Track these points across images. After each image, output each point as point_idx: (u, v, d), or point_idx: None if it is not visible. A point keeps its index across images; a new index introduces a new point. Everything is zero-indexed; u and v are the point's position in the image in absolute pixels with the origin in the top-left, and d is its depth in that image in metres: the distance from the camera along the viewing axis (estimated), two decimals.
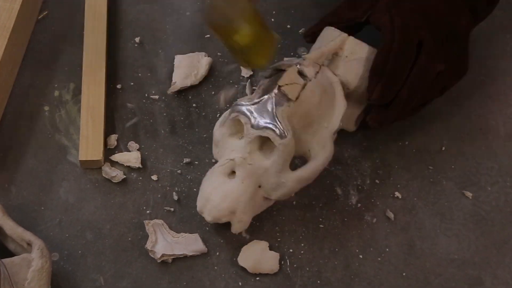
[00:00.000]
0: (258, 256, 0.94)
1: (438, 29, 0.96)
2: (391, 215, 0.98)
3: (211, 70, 1.10)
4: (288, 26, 1.14)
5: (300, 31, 1.14)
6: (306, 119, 0.92)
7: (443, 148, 1.04)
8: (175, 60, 1.10)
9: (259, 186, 0.92)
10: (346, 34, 0.97)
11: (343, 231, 0.98)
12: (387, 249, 0.96)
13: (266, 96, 0.91)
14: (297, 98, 0.90)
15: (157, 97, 1.08)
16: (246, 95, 1.08)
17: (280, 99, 0.90)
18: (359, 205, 0.99)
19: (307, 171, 0.93)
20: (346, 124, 1.00)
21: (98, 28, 1.11)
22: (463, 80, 1.01)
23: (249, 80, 1.09)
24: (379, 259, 0.96)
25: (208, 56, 1.11)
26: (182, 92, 1.08)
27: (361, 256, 0.96)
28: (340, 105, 0.95)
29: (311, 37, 1.03)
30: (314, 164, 0.93)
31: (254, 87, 1.09)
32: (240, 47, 0.92)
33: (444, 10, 0.97)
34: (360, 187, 1.00)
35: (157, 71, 1.11)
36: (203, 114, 1.06)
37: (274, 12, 1.16)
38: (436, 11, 0.97)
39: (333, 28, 0.99)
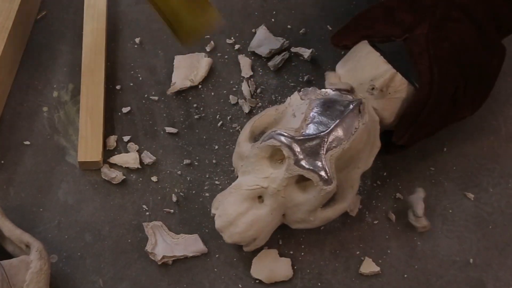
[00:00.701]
0: (270, 266, 0.94)
1: (473, 75, 0.95)
2: (393, 217, 0.98)
3: (211, 71, 1.10)
4: (289, 27, 1.14)
5: (300, 31, 1.13)
6: (347, 162, 0.91)
7: (445, 149, 1.04)
8: (174, 60, 1.10)
9: (283, 214, 0.92)
10: (394, 70, 0.93)
11: (344, 232, 0.97)
12: (389, 251, 0.96)
13: (315, 136, 0.88)
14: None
15: (156, 98, 1.08)
16: (244, 96, 1.07)
17: (331, 143, 0.88)
18: (360, 206, 0.99)
19: (335, 212, 0.92)
20: None
21: (97, 28, 1.11)
22: None
23: (244, 81, 1.09)
24: (380, 261, 0.95)
25: (208, 57, 1.10)
26: (182, 92, 1.08)
27: (362, 258, 0.95)
28: (376, 146, 0.94)
29: (342, 48, 1.01)
30: (342, 205, 0.92)
31: (252, 87, 1.08)
32: (171, 10, 0.89)
33: (480, 52, 0.96)
34: (361, 188, 1.00)
35: (156, 71, 1.10)
36: (203, 115, 1.06)
37: (274, 12, 1.16)
38: (473, 56, 0.95)
39: (378, 54, 0.95)
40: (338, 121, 0.88)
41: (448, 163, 1.03)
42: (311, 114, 0.90)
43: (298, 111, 0.92)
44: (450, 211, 0.99)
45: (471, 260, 0.96)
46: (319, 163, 0.87)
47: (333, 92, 0.93)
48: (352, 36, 0.99)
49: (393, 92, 0.94)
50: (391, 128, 0.96)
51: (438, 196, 1.00)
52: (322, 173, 0.87)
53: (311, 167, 0.87)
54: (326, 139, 0.88)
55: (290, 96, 0.95)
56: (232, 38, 1.13)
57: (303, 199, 0.89)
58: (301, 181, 0.89)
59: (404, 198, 0.99)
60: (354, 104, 0.90)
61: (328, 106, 0.91)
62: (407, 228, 0.97)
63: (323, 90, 0.94)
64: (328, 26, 1.13)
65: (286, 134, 0.88)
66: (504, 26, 0.99)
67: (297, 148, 0.87)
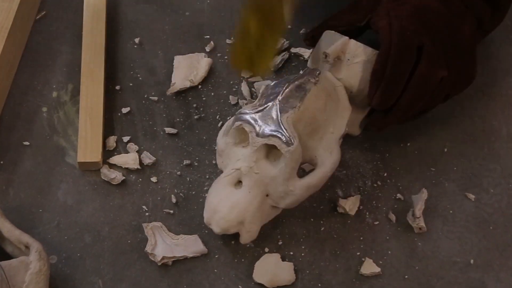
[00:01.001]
0: (273, 270, 0.93)
1: (439, 34, 0.95)
2: (393, 217, 0.98)
3: (211, 71, 1.10)
4: (289, 27, 1.13)
5: (301, 31, 1.13)
6: (311, 125, 0.91)
7: (445, 150, 1.04)
8: (174, 60, 1.10)
9: (267, 195, 0.92)
10: (347, 37, 0.96)
11: (344, 233, 0.97)
12: (389, 252, 0.96)
13: (270, 103, 0.90)
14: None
15: (156, 98, 1.07)
16: (243, 96, 1.07)
17: (285, 106, 0.89)
18: (360, 207, 0.98)
19: (315, 178, 0.92)
20: (351, 128, 0.99)
21: (97, 28, 1.10)
22: None
23: (244, 82, 1.08)
24: (381, 262, 0.95)
25: (208, 57, 1.10)
26: (182, 93, 1.08)
27: (362, 259, 0.95)
28: (345, 110, 0.95)
29: (311, 40, 1.03)
30: (322, 170, 0.92)
31: (253, 89, 1.08)
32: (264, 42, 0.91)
33: (445, 16, 0.96)
34: (361, 189, 1.00)
35: (156, 72, 1.10)
36: (203, 115, 1.06)
37: None
38: (437, 16, 0.96)
39: (333, 32, 0.98)
40: (287, 84, 0.91)
41: (448, 163, 1.02)
42: (262, 89, 0.95)
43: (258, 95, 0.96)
44: (451, 211, 0.99)
45: (472, 261, 0.95)
46: (277, 127, 0.88)
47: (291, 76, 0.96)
48: (318, 28, 1.01)
49: (352, 58, 0.96)
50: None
51: (439, 196, 1.00)
52: (281, 135, 0.88)
53: (271, 133, 0.88)
54: (279, 104, 0.90)
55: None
56: (232, 38, 1.12)
57: (276, 170, 0.90)
58: (270, 154, 0.91)
59: (405, 199, 0.99)
60: (307, 71, 0.93)
61: (283, 81, 0.94)
62: (408, 229, 0.97)
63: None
64: None
65: (245, 111, 0.91)
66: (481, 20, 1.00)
67: (256, 121, 0.90)
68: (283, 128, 0.88)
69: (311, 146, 0.92)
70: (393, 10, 0.95)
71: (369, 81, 0.95)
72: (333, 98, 0.94)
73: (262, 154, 0.90)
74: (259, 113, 0.90)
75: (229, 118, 1.04)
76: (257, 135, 0.89)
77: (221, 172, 0.94)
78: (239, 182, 0.91)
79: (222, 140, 0.94)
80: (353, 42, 0.96)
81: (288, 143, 0.88)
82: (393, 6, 0.96)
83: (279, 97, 0.90)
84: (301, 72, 0.95)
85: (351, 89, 0.96)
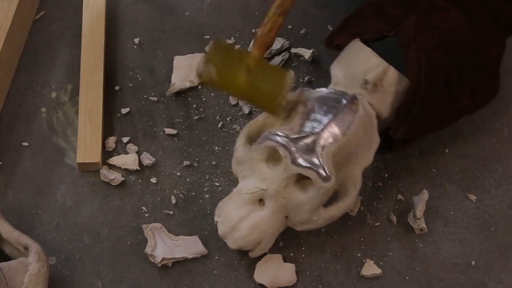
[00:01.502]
0: (274, 271, 0.93)
1: (466, 63, 0.94)
2: (394, 218, 0.97)
3: None
4: (289, 27, 1.13)
5: (301, 31, 1.12)
6: (345, 158, 0.90)
7: (446, 150, 1.03)
8: (174, 61, 1.10)
9: (286, 216, 0.91)
10: (386, 64, 0.93)
11: (345, 234, 0.97)
12: (390, 253, 0.95)
13: (310, 133, 0.88)
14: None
15: (156, 98, 1.07)
16: None
17: (327, 139, 0.88)
18: (361, 208, 0.98)
19: (339, 210, 0.91)
20: None
21: (96, 28, 1.10)
22: None
23: None
24: (382, 263, 0.95)
25: None
26: (182, 93, 1.07)
27: (363, 260, 0.95)
28: (375, 141, 0.94)
29: (334, 47, 1.01)
30: (346, 202, 0.91)
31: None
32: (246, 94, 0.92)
33: (473, 41, 0.95)
34: (362, 189, 0.99)
35: (156, 72, 1.10)
36: (203, 116, 1.05)
37: None
38: (464, 43, 0.95)
39: (364, 46, 0.95)
40: (332, 116, 0.89)
41: (450, 164, 1.02)
42: (304, 112, 0.91)
43: (293, 112, 0.93)
44: (452, 213, 0.98)
45: (473, 263, 0.95)
46: (316, 160, 0.87)
47: (327, 91, 0.94)
48: (343, 35, 0.99)
49: (387, 86, 0.94)
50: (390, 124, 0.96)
51: (440, 197, 0.99)
52: (320, 170, 0.86)
53: (308, 165, 0.87)
54: (321, 136, 0.88)
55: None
56: (232, 38, 1.12)
57: (304, 199, 0.89)
58: (301, 180, 0.89)
59: (406, 200, 0.99)
60: (347, 99, 0.90)
61: (322, 104, 0.91)
62: (409, 230, 0.97)
63: (317, 89, 0.94)
64: (329, 26, 1.12)
65: (281, 134, 0.88)
66: (500, 19, 0.99)
67: (293, 147, 0.87)
68: (322, 162, 0.87)
69: (338, 176, 0.89)
70: (421, 33, 0.93)
71: (395, 109, 0.95)
72: (367, 129, 0.92)
73: (292, 180, 0.89)
74: (298, 141, 0.87)
75: (230, 119, 1.04)
76: (293, 162, 0.87)
77: (221, 174, 0.93)
78: (261, 200, 0.90)
79: (245, 150, 0.93)
80: (392, 70, 0.93)
81: (325, 179, 0.87)
82: (422, 26, 0.93)
83: (322, 130, 0.88)
84: (339, 94, 0.93)
85: (380, 116, 0.95)
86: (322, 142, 0.87)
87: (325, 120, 0.88)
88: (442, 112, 0.95)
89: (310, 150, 0.87)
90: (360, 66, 0.95)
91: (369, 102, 0.94)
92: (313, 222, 0.91)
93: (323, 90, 0.94)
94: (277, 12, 0.89)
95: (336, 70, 0.98)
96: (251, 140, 0.94)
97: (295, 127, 0.90)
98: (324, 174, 0.86)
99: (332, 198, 0.91)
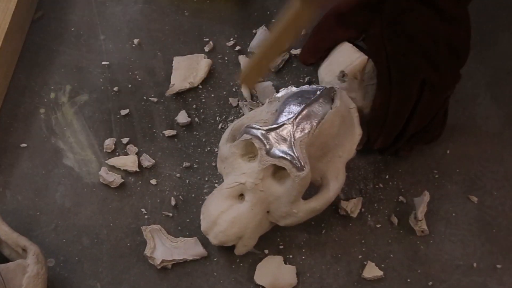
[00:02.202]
0: (274, 272, 0.93)
1: (441, 56, 0.92)
2: (395, 220, 0.97)
3: (211, 72, 1.09)
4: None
5: (302, 33, 1.12)
6: (322, 149, 0.90)
7: (448, 152, 1.03)
8: (173, 61, 1.09)
9: (268, 211, 0.91)
10: (365, 57, 0.93)
11: (346, 236, 0.96)
12: (391, 255, 0.95)
13: (284, 123, 0.88)
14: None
15: (155, 99, 1.07)
16: (244, 97, 1.06)
17: (299, 128, 0.88)
18: (362, 209, 0.98)
19: (320, 203, 0.91)
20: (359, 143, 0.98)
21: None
22: (468, 82, 1.00)
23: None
24: (383, 265, 0.94)
25: (208, 58, 1.09)
26: (182, 94, 1.07)
27: (364, 262, 0.94)
28: (356, 134, 0.93)
29: (311, 65, 1.01)
30: (327, 195, 0.91)
31: (253, 90, 1.07)
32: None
33: (443, 30, 0.93)
34: (363, 191, 0.99)
35: (155, 73, 1.09)
36: (203, 117, 1.05)
37: (274, 10, 1.15)
38: (435, 36, 0.92)
39: (350, 45, 0.95)
40: (304, 106, 0.89)
41: (451, 165, 1.02)
42: (280, 106, 0.92)
43: (270, 108, 0.94)
44: (454, 214, 0.98)
45: (474, 264, 0.95)
46: (290, 150, 0.87)
47: (306, 86, 0.94)
48: (313, 52, 0.99)
49: (368, 79, 0.94)
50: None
51: (441, 199, 0.99)
52: (294, 160, 0.87)
53: (282, 155, 0.87)
54: (293, 125, 0.88)
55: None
56: (232, 39, 1.12)
57: (282, 191, 0.89)
58: (278, 172, 0.90)
59: (407, 201, 0.98)
60: (322, 90, 0.91)
61: (298, 97, 0.91)
62: (410, 232, 0.96)
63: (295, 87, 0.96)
64: None
65: (256, 126, 0.89)
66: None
67: (266, 139, 0.88)
68: (295, 152, 0.87)
69: (318, 168, 0.90)
70: (388, 42, 0.91)
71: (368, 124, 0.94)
72: (346, 121, 0.92)
73: (269, 173, 0.89)
74: (272, 132, 0.88)
75: (230, 120, 1.04)
76: (267, 153, 0.88)
77: (221, 176, 0.93)
78: (241, 195, 0.91)
79: (226, 147, 0.93)
80: (371, 62, 0.93)
81: (299, 169, 0.87)
82: (388, 35, 0.92)
83: (295, 119, 0.88)
84: (314, 87, 0.93)
85: (362, 109, 0.95)
86: (294, 132, 0.88)
87: (298, 110, 0.89)
88: (425, 111, 0.93)
89: (283, 140, 0.88)
90: (341, 62, 0.95)
91: (351, 96, 0.94)
92: (294, 215, 0.90)
93: (303, 87, 0.95)
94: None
95: (321, 70, 0.98)
96: (234, 138, 0.94)
97: (270, 120, 0.91)
98: (297, 163, 0.87)
99: (315, 191, 0.92)
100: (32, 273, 0.84)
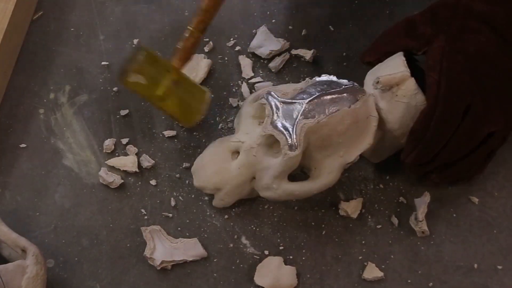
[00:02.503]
0: (275, 273, 0.93)
1: (493, 87, 0.91)
2: (396, 221, 0.97)
3: (210, 73, 1.08)
4: (290, 27, 1.12)
5: (302, 32, 1.12)
6: (324, 141, 0.90)
7: None
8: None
9: (254, 178, 0.93)
10: (408, 74, 0.91)
11: (346, 237, 0.96)
12: (392, 256, 0.95)
13: (298, 101, 0.89)
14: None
15: None
16: (244, 98, 1.06)
17: (309, 111, 0.88)
18: (362, 210, 0.97)
19: (300, 189, 0.91)
20: (373, 157, 0.99)
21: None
22: None
23: (244, 83, 1.07)
24: (383, 266, 0.94)
25: (208, 58, 1.09)
26: None
27: (365, 263, 0.94)
28: (364, 142, 0.92)
29: (367, 64, 0.99)
30: (310, 185, 0.91)
31: (253, 90, 1.07)
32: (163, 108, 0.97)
33: (503, 63, 0.92)
34: (363, 192, 0.99)
35: None
36: (203, 117, 1.04)
37: (275, 10, 1.14)
38: (494, 66, 0.92)
39: (403, 58, 0.93)
40: (322, 93, 0.90)
41: None
42: (305, 86, 0.92)
43: (299, 86, 0.94)
44: (454, 215, 0.98)
45: (475, 265, 0.94)
46: (290, 127, 0.88)
47: (341, 79, 0.94)
48: (374, 52, 0.98)
49: (401, 95, 0.91)
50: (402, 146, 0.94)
51: (442, 200, 0.98)
52: (289, 137, 0.88)
53: (281, 129, 0.89)
54: (304, 107, 0.89)
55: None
56: (232, 39, 1.11)
57: (271, 163, 0.91)
58: (275, 145, 0.91)
59: (408, 202, 0.98)
60: (347, 86, 0.91)
61: (324, 84, 0.92)
62: (411, 233, 0.96)
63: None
64: (330, 26, 1.12)
65: (274, 94, 0.91)
66: None
67: (277, 109, 0.90)
68: (294, 131, 0.88)
69: (315, 158, 0.91)
70: (446, 58, 0.90)
71: (407, 125, 0.92)
72: (359, 125, 0.90)
73: (268, 141, 0.91)
74: (284, 105, 0.90)
75: (230, 121, 1.03)
76: (271, 123, 0.89)
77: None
78: (237, 152, 0.94)
79: (247, 104, 0.96)
80: (411, 81, 0.91)
81: (291, 147, 0.88)
82: (449, 49, 0.91)
83: (308, 102, 0.89)
84: (345, 82, 0.92)
85: (386, 124, 0.93)
86: (303, 112, 0.89)
87: (316, 94, 0.90)
88: (462, 138, 0.91)
89: (289, 116, 0.89)
90: (385, 71, 0.93)
91: (379, 105, 0.92)
92: (273, 190, 0.91)
93: (339, 79, 0.94)
94: (199, 28, 0.94)
95: (368, 73, 0.97)
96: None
97: (290, 94, 0.92)
98: (291, 141, 0.88)
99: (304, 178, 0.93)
100: (31, 274, 0.83)
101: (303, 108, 0.88)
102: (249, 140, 0.92)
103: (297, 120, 0.88)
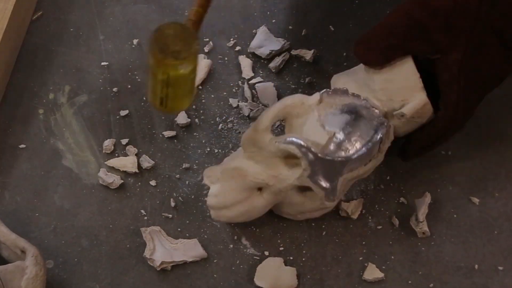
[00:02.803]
0: (275, 274, 0.93)
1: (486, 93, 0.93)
2: (396, 221, 0.96)
3: (211, 73, 1.08)
4: (290, 27, 1.12)
5: (302, 32, 1.11)
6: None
7: (449, 152, 1.02)
8: None
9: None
10: (427, 99, 0.89)
11: (347, 237, 0.96)
12: (392, 257, 0.95)
13: (338, 159, 0.87)
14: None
15: None
16: (245, 98, 1.06)
17: (352, 166, 0.88)
18: (363, 211, 0.97)
19: (321, 213, 0.94)
20: None
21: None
22: None
23: (245, 83, 1.07)
24: (384, 266, 0.94)
25: (207, 58, 1.09)
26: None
27: (365, 264, 0.94)
28: (379, 160, 0.92)
29: (365, 63, 0.92)
30: (330, 208, 0.94)
31: (254, 91, 1.06)
32: (168, 84, 0.83)
33: (502, 71, 0.92)
34: (364, 192, 0.99)
35: None
36: (202, 118, 1.04)
37: (275, 10, 1.14)
38: (496, 79, 0.92)
39: (418, 76, 0.89)
40: (365, 150, 0.87)
41: (453, 166, 1.01)
42: (337, 134, 0.88)
43: (326, 123, 0.89)
44: (455, 216, 0.98)
45: (476, 266, 0.94)
46: (332, 183, 0.87)
47: (362, 102, 0.90)
48: (375, 52, 0.91)
49: (416, 117, 0.90)
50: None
51: (443, 200, 0.98)
52: (330, 193, 0.87)
53: (322, 184, 0.87)
54: (345, 164, 0.87)
55: (319, 92, 0.91)
56: (232, 39, 1.11)
57: (300, 201, 0.90)
58: (305, 187, 0.89)
59: (408, 203, 0.98)
60: (381, 133, 0.88)
61: (354, 123, 0.88)
62: (411, 233, 0.96)
63: (351, 97, 0.91)
64: (330, 26, 1.11)
65: (310, 148, 0.86)
66: None
67: (315, 165, 0.86)
68: (336, 188, 0.87)
69: None
70: (463, 76, 0.88)
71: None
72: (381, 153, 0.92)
73: (297, 186, 0.89)
74: (322, 161, 0.86)
75: (230, 121, 1.03)
76: (309, 177, 0.86)
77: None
78: (260, 188, 0.90)
79: (266, 137, 0.89)
80: (429, 105, 0.89)
81: (330, 199, 0.88)
82: (466, 68, 0.88)
83: (347, 162, 0.87)
84: (373, 124, 0.89)
85: (394, 136, 0.93)
86: (344, 169, 0.87)
87: (353, 151, 0.87)
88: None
89: (331, 173, 0.87)
90: (402, 92, 0.90)
91: (394, 125, 0.91)
92: (294, 217, 0.94)
93: (357, 102, 0.90)
94: None
95: (376, 75, 0.91)
96: (276, 121, 0.93)
97: (325, 143, 0.87)
98: (332, 197, 0.88)
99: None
100: (31, 275, 0.83)
101: (344, 167, 0.87)
102: (279, 185, 0.89)
103: (338, 177, 0.87)
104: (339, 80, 0.95)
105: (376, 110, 0.90)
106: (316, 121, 0.89)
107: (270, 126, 0.90)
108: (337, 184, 0.87)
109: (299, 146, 0.86)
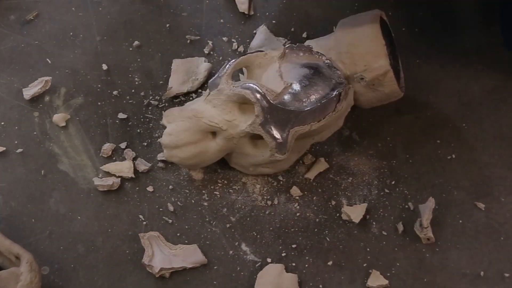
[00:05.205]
0: (275, 281, 0.92)
1: None
2: (401, 227, 0.96)
3: (210, 76, 1.07)
4: (292, 30, 1.12)
5: (303, 34, 1.11)
6: (305, 134, 0.92)
7: (454, 156, 1.01)
8: (172, 64, 1.08)
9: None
10: (389, 67, 0.93)
11: (350, 243, 0.95)
12: (397, 263, 0.94)
13: (292, 109, 0.89)
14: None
15: (154, 103, 1.05)
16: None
17: (304, 119, 0.90)
18: (366, 216, 0.96)
19: (272, 171, 0.97)
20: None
21: None
22: (475, 84, 1.00)
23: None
24: (388, 273, 0.93)
25: (207, 59, 1.09)
26: (180, 97, 1.06)
27: (369, 271, 0.93)
28: (337, 125, 0.96)
29: None
30: (283, 166, 0.97)
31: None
32: None
33: None
34: (367, 197, 0.98)
35: (153, 75, 1.08)
36: None
37: (275, 10, 1.14)
38: None
39: (383, 43, 0.93)
40: (318, 104, 0.90)
41: (458, 171, 1.00)
42: (293, 85, 0.91)
43: (285, 74, 0.93)
44: (460, 221, 0.97)
45: (482, 273, 0.93)
46: (283, 134, 0.89)
47: (325, 61, 0.94)
48: None
49: (377, 85, 0.95)
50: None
51: (448, 205, 0.98)
52: (281, 144, 0.90)
53: (273, 134, 0.89)
54: (298, 116, 0.89)
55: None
56: (232, 39, 1.11)
57: (252, 153, 0.94)
58: (257, 136, 0.92)
59: (413, 208, 0.97)
60: (338, 91, 0.92)
61: (312, 77, 0.92)
62: (416, 239, 0.95)
63: (315, 55, 0.95)
64: (330, 26, 1.10)
65: (265, 94, 0.89)
66: None
67: (268, 112, 0.89)
68: (287, 138, 0.90)
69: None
70: None
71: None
72: (339, 117, 0.95)
73: (251, 135, 0.92)
74: (276, 110, 0.89)
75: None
76: (261, 124, 0.89)
77: (221, 180, 0.97)
78: (214, 133, 0.93)
79: (225, 81, 0.93)
80: (390, 75, 0.94)
81: (281, 152, 0.90)
82: None
83: (301, 114, 0.89)
84: (332, 83, 0.92)
85: (356, 104, 0.98)
86: (296, 121, 0.89)
87: (307, 103, 0.90)
88: None
89: (282, 122, 0.89)
90: (365, 51, 0.94)
91: (355, 89, 0.96)
92: (246, 169, 0.97)
93: (319, 62, 0.94)
94: None
95: (340, 33, 0.97)
96: (235, 71, 0.97)
97: (282, 94, 0.90)
98: (282, 148, 0.90)
99: None
100: (25, 282, 0.83)
101: (297, 118, 0.89)
102: (231, 130, 0.91)
103: (290, 128, 0.89)
104: (312, 43, 0.99)
105: (338, 71, 0.93)
106: (275, 72, 0.93)
107: (230, 73, 0.94)
108: (288, 136, 0.89)
109: (255, 91, 0.89)
